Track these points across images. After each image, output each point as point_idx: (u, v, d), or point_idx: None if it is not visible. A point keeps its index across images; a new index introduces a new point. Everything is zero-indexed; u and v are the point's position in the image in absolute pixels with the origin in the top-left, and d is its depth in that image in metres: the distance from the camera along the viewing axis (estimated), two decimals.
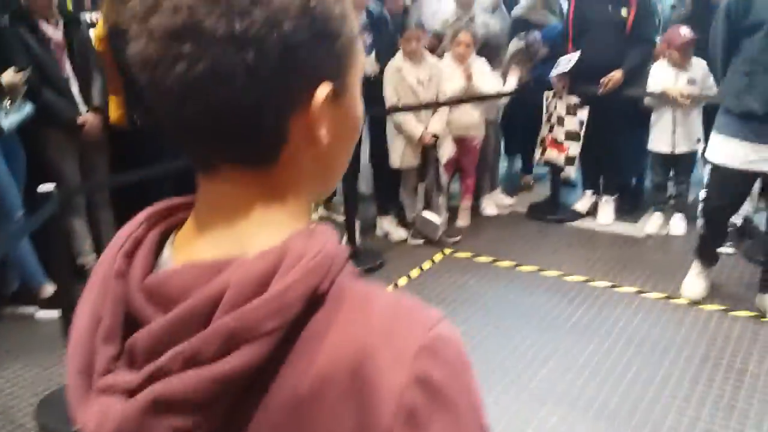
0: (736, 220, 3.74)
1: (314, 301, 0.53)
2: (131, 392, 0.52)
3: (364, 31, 3.95)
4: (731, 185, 3.11)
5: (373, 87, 4.00)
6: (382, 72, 4.02)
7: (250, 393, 0.52)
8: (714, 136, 3.16)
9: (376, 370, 0.53)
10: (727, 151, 3.07)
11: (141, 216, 0.63)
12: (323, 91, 0.56)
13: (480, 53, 4.28)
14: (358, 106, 0.63)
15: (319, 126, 0.57)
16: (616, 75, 4.02)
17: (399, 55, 4.01)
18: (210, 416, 0.51)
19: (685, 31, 3.88)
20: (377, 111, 4.08)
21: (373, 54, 4.02)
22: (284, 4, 0.53)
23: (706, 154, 3.29)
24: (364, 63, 0.64)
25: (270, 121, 0.56)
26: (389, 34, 4.19)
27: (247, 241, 0.57)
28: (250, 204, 0.58)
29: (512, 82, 4.37)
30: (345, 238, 3.91)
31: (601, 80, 4.05)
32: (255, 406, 0.53)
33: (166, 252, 0.60)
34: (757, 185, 3.44)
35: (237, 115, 0.54)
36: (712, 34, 3.22)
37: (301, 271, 0.52)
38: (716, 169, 3.13)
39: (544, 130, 4.45)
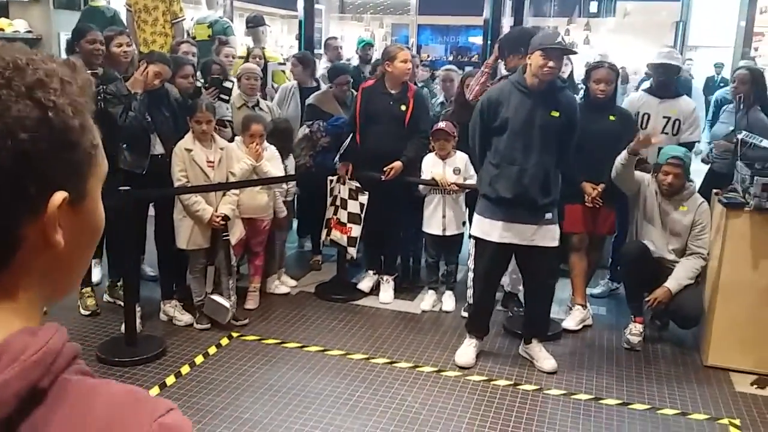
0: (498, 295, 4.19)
1: (33, 397, 0.53)
2: None
3: (145, 110, 3.88)
4: (492, 255, 3.61)
5: (158, 167, 3.96)
6: (167, 152, 3.98)
7: None
8: (476, 216, 3.67)
9: None
10: (486, 228, 3.58)
11: None
12: (58, 198, 0.58)
13: (272, 136, 4.45)
14: (99, 211, 0.66)
15: (53, 231, 0.59)
16: (397, 164, 4.38)
17: (189, 136, 4.01)
18: None
19: (441, 125, 4.38)
20: (163, 191, 4.02)
21: (156, 134, 3.98)
22: (21, 116, 0.55)
23: (470, 231, 3.78)
24: (106, 170, 0.67)
25: (1, 228, 0.57)
26: (174, 114, 4.15)
27: None
28: None
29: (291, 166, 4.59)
30: (123, 326, 3.73)
31: (384, 168, 4.38)
32: None
33: None
34: (513, 263, 3.95)
35: None
36: (471, 130, 3.70)
37: (19, 367, 0.53)
38: (479, 243, 3.65)
39: (329, 212, 4.68)
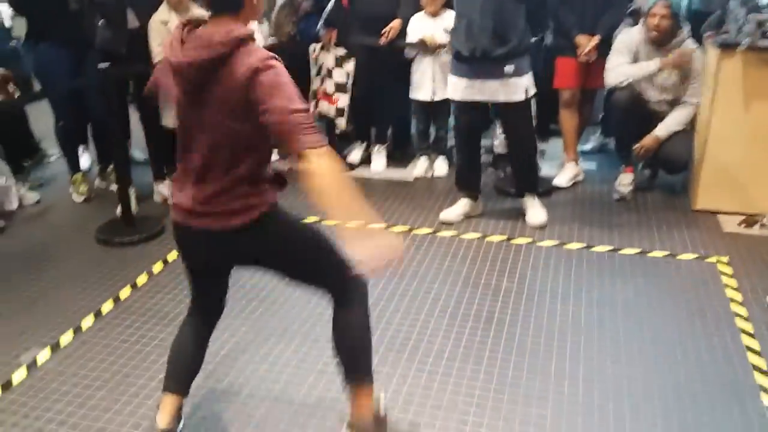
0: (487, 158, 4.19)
1: (245, 41, 1.63)
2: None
3: None
4: (463, 112, 3.64)
5: (135, 42, 3.81)
6: (143, 27, 3.83)
7: (219, 69, 1.62)
8: (449, 76, 3.65)
9: (259, 64, 1.61)
10: (455, 86, 3.57)
11: (181, 23, 1.71)
12: None
13: None
14: None
15: None
16: (396, 23, 4.24)
17: (163, 7, 3.84)
18: (207, 72, 1.64)
19: None
20: (146, 66, 3.88)
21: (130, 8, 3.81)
22: None
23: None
24: None
25: None
26: None
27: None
28: (231, 24, 1.65)
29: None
30: (119, 208, 3.75)
31: (383, 30, 4.23)
32: (219, 76, 1.63)
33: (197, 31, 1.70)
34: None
35: None
36: None
37: (240, 31, 1.63)
38: (453, 102, 3.68)
39: (315, 83, 4.57)
